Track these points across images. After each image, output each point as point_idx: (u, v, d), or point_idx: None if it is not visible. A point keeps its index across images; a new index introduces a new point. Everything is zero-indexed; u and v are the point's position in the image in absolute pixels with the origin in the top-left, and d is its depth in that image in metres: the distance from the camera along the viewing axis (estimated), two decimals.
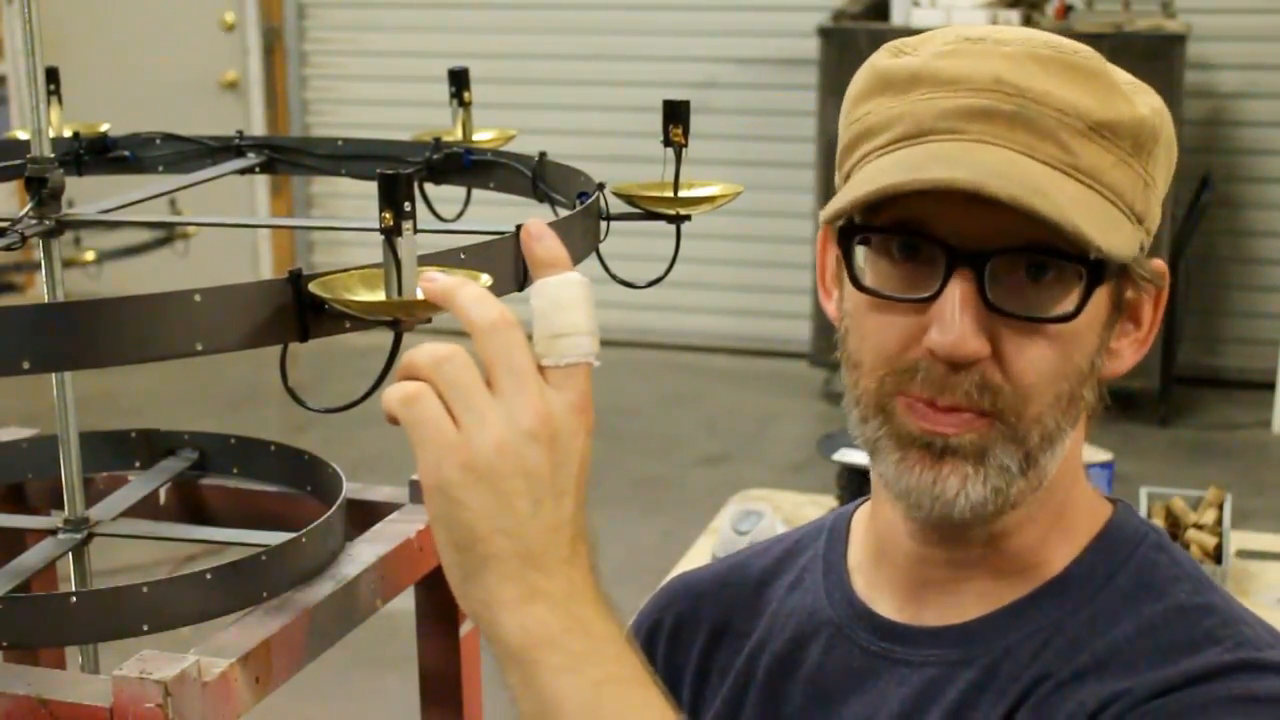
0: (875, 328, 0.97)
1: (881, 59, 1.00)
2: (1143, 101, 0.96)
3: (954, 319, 0.91)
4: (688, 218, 1.38)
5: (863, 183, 0.94)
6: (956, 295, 0.92)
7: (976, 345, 0.92)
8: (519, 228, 1.15)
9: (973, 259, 0.92)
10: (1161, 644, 0.95)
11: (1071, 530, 1.03)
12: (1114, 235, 0.92)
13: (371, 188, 1.01)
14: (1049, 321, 0.93)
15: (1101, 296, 0.96)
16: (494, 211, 1.29)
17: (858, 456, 2.56)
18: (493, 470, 0.79)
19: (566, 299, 0.84)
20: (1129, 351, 1.01)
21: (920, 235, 0.94)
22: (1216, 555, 2.37)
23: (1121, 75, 0.98)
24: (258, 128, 6.62)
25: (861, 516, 1.13)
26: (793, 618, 1.11)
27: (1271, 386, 5.40)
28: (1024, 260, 0.92)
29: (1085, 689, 0.94)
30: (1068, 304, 0.93)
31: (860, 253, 0.99)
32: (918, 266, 0.95)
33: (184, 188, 1.56)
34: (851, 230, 0.97)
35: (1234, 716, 0.89)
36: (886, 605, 1.06)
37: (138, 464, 1.57)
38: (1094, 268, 0.92)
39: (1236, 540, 2.49)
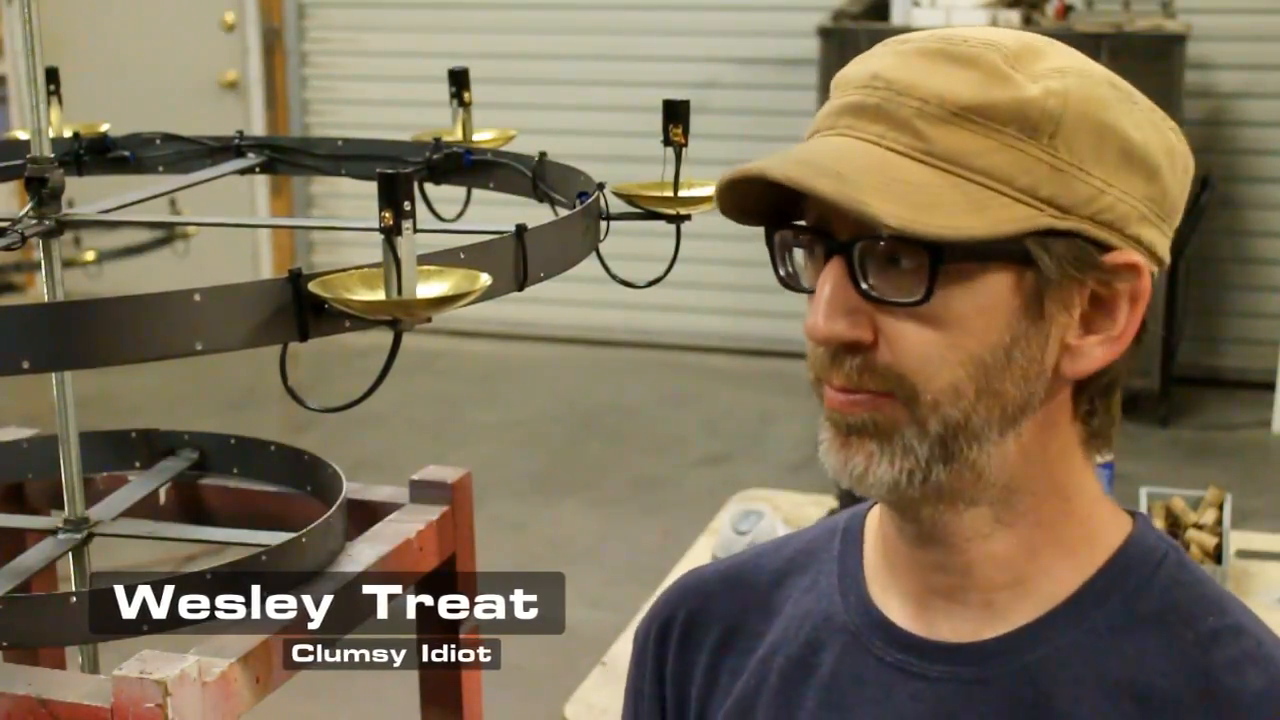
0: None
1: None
2: (1040, 86, 0.95)
3: (818, 303, 0.96)
4: (688, 218, 1.38)
5: None
6: (824, 280, 0.96)
7: (838, 327, 0.95)
8: (519, 228, 1.15)
9: (843, 247, 0.95)
10: (1199, 673, 0.95)
11: (1075, 547, 1.01)
12: (961, 217, 0.92)
13: (371, 188, 1.02)
14: (900, 305, 0.95)
15: (999, 285, 0.94)
16: (494, 211, 1.29)
17: None
18: None
19: None
20: (1098, 350, 0.98)
21: (808, 230, 0.98)
22: (1216, 555, 2.37)
23: (1037, 65, 0.96)
24: (258, 128, 6.62)
25: (874, 517, 1.13)
26: (807, 621, 1.10)
27: (1271, 386, 5.40)
28: (887, 249, 0.94)
29: None
30: (923, 287, 0.95)
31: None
32: (819, 263, 0.99)
33: (184, 188, 1.56)
34: (770, 233, 1.02)
35: None
36: (899, 612, 1.05)
37: (138, 464, 1.57)
38: (934, 250, 0.92)
39: (1236, 540, 2.49)
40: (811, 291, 0.98)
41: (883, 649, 1.04)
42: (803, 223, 0.99)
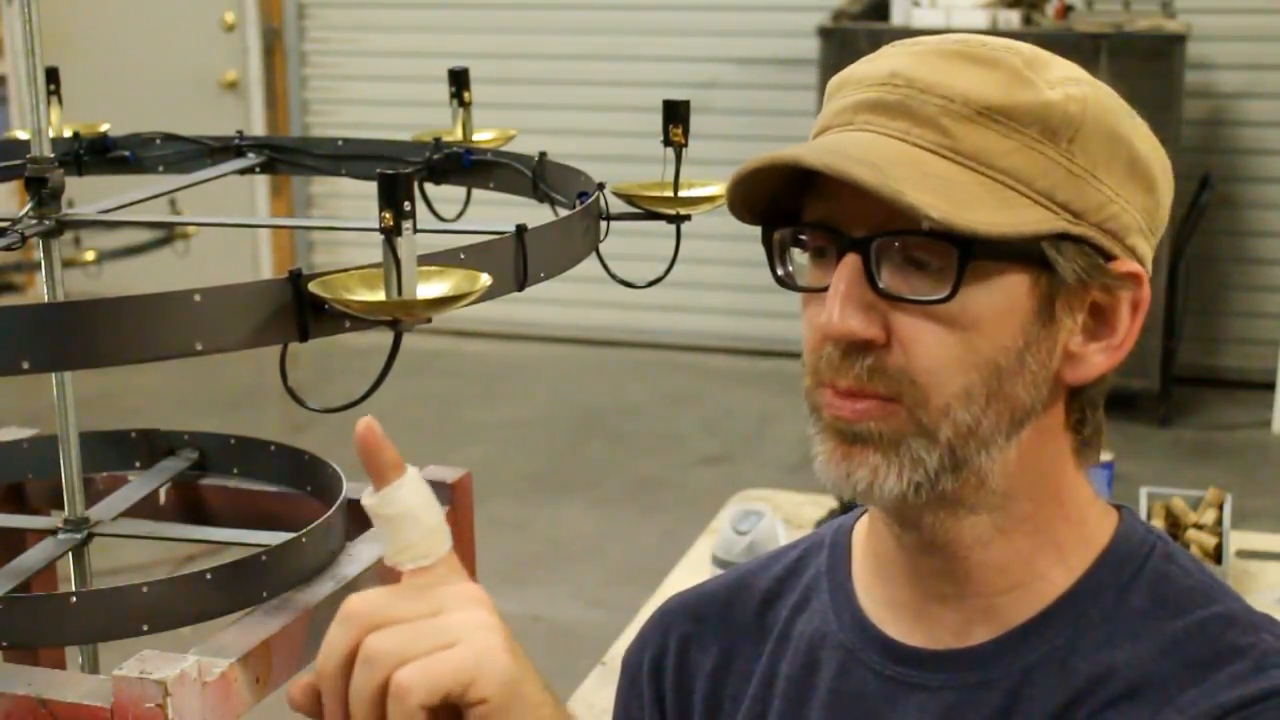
0: (806, 325, 0.99)
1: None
2: (1060, 91, 0.96)
3: (833, 299, 0.93)
4: (688, 218, 1.38)
5: None
6: (838, 277, 0.94)
7: (854, 324, 0.93)
8: (519, 228, 1.15)
9: (858, 244, 0.93)
10: (1187, 660, 0.95)
11: (1068, 546, 1.01)
12: (989, 214, 0.91)
13: (371, 188, 1.02)
14: (927, 303, 0.93)
15: (1016, 287, 0.94)
16: (494, 211, 1.29)
17: None
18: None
19: (421, 501, 0.82)
20: (1099, 357, 0.99)
21: (815, 227, 0.97)
22: (1216, 555, 2.37)
23: (1050, 73, 0.97)
24: (258, 128, 6.62)
25: (861, 530, 1.12)
26: (803, 640, 1.09)
27: (1271, 386, 5.40)
28: (909, 248, 0.93)
29: (1121, 717, 0.94)
30: (947, 287, 0.93)
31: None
32: (828, 261, 0.97)
33: (184, 188, 1.56)
34: (770, 231, 1.01)
35: None
36: (896, 626, 1.04)
37: (138, 464, 1.57)
38: (964, 246, 0.91)
39: (1236, 540, 2.49)
40: (809, 290, 0.98)
41: (880, 663, 1.04)
42: (813, 219, 0.97)
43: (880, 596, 1.06)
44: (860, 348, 0.94)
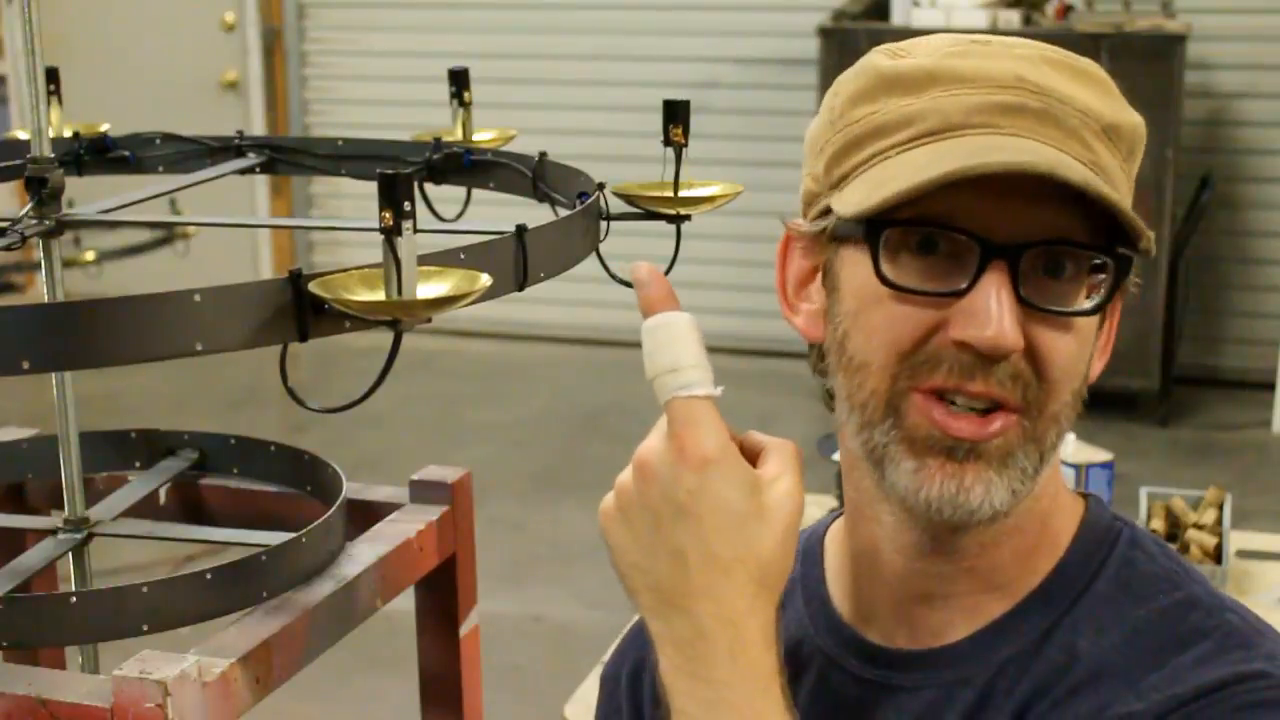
0: (888, 322, 0.94)
1: (881, 61, 0.99)
2: (1136, 113, 0.98)
3: (996, 312, 0.90)
4: (688, 218, 1.38)
5: (905, 174, 0.92)
6: (995, 288, 0.91)
7: (1016, 338, 0.91)
8: (519, 228, 1.15)
9: (1006, 252, 0.91)
10: (1150, 646, 0.95)
11: (1055, 536, 1.02)
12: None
13: (371, 188, 1.02)
14: (1079, 314, 0.93)
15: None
16: (494, 211, 1.29)
17: None
18: (620, 507, 0.94)
19: (667, 339, 0.90)
20: (1096, 360, 1.01)
21: (954, 229, 0.92)
22: (1216, 555, 2.37)
23: None
24: (258, 128, 6.62)
25: (835, 535, 1.11)
26: (780, 649, 1.09)
27: (1271, 386, 5.40)
28: (1044, 257, 0.92)
29: (1082, 703, 0.94)
30: (1084, 299, 0.93)
31: (850, 256, 0.97)
32: (938, 261, 0.93)
33: (184, 188, 1.56)
34: (879, 225, 0.94)
35: None
36: (875, 629, 1.04)
37: (138, 464, 1.57)
38: (1121, 260, 0.92)
39: (1236, 540, 2.50)
40: (927, 294, 0.93)
41: (859, 667, 1.04)
42: (942, 219, 0.93)
43: (859, 601, 1.06)
44: (1004, 357, 0.92)
